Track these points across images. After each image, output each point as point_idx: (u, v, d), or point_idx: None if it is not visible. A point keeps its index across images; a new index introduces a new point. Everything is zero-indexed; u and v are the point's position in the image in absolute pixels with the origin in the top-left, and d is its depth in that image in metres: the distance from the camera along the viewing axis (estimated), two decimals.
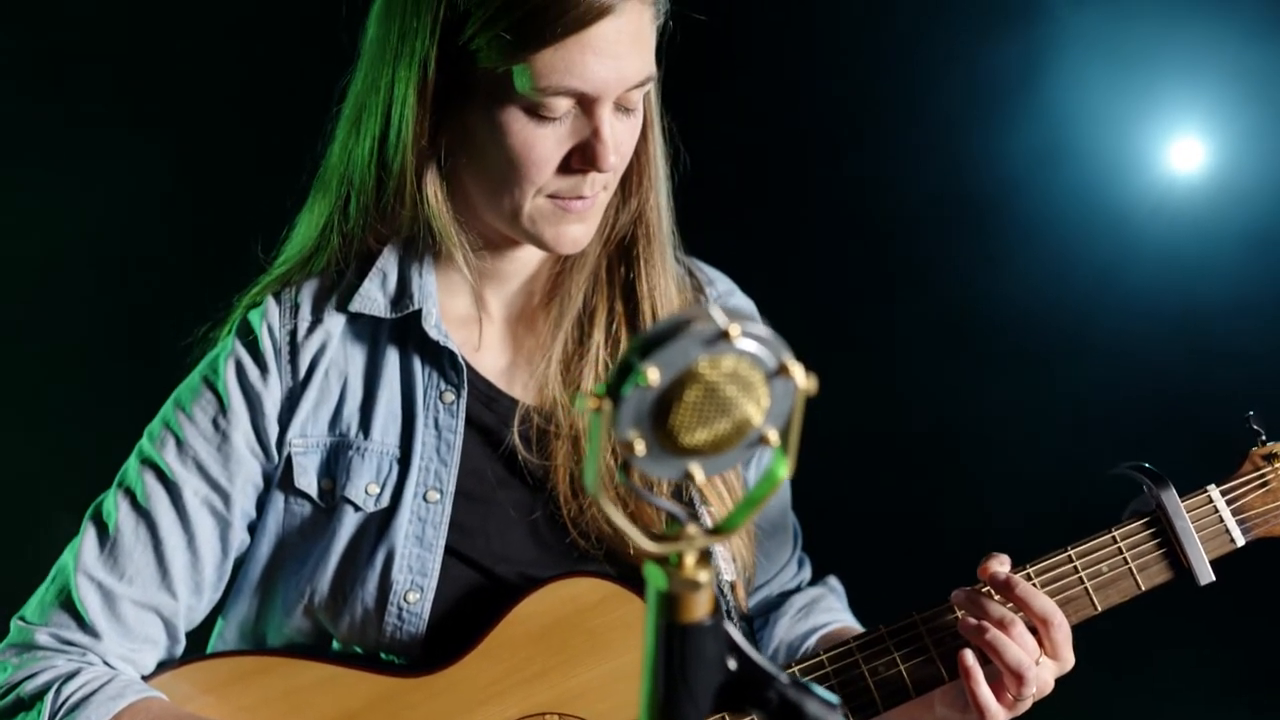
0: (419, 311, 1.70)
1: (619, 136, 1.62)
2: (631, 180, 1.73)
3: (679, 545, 0.93)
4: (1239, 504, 1.72)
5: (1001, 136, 2.82)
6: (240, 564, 1.75)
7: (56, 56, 2.61)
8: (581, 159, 1.61)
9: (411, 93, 1.62)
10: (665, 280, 1.78)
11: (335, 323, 1.72)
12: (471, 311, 1.77)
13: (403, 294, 1.71)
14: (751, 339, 0.87)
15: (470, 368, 1.74)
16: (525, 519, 1.72)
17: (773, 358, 0.89)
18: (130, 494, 1.70)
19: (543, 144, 1.60)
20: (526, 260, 1.77)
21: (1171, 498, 1.69)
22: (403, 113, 1.63)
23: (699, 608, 0.93)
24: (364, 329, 1.73)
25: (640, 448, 0.88)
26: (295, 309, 1.73)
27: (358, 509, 1.69)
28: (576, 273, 1.75)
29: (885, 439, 2.89)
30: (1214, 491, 1.72)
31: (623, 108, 1.63)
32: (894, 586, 1.87)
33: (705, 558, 0.95)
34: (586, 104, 1.59)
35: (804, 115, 2.94)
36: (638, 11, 1.60)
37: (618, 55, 1.57)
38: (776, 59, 2.91)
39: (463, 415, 1.71)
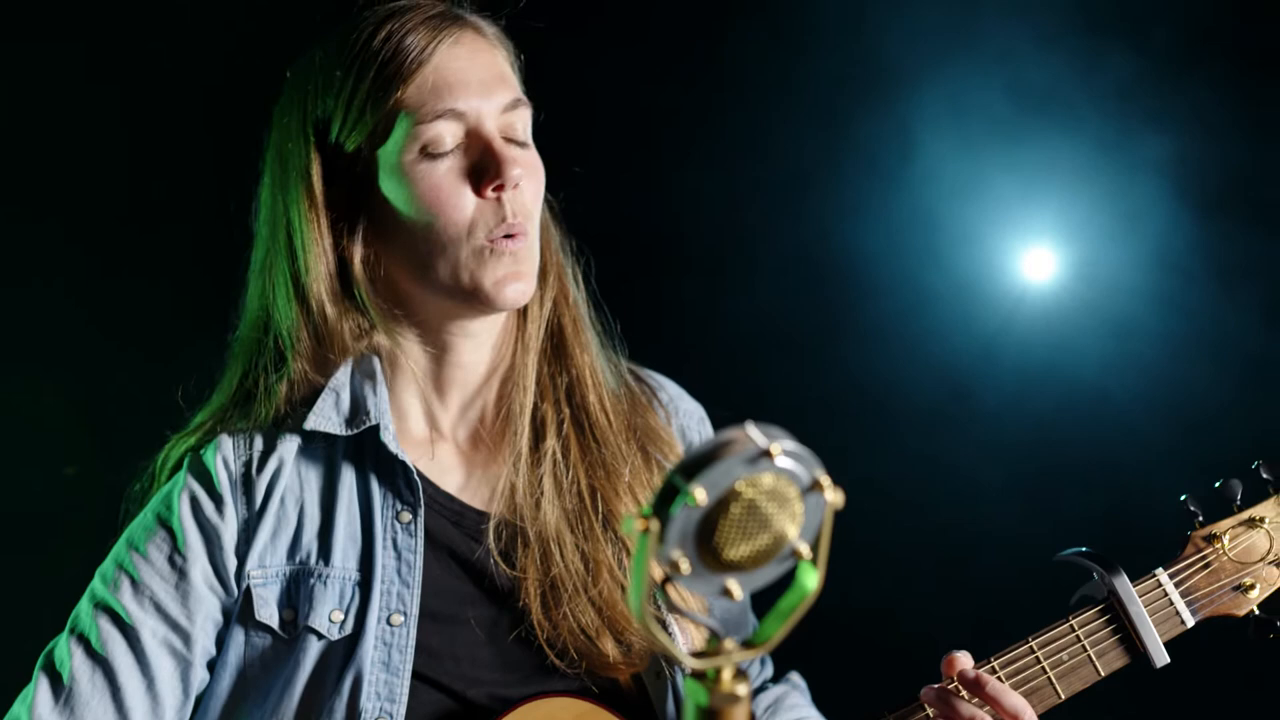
0: (376, 426, 1.70)
1: (517, 158, 1.68)
2: (544, 255, 1.78)
3: (718, 660, 0.95)
4: (1186, 585, 1.78)
5: (858, 243, 2.91)
6: (200, 701, 1.70)
7: None
8: (488, 177, 1.66)
9: (306, 211, 1.69)
10: (598, 375, 1.81)
11: (289, 447, 1.71)
12: (427, 431, 1.77)
13: (357, 411, 1.71)
14: (789, 457, 0.90)
15: (432, 485, 1.73)
16: (494, 638, 1.71)
17: (807, 474, 0.91)
18: (84, 640, 1.65)
19: (446, 178, 1.66)
20: (474, 360, 1.77)
21: (1124, 584, 1.74)
22: (304, 235, 1.70)
23: None
24: (318, 451, 1.72)
25: (685, 566, 0.90)
26: (249, 440, 1.71)
27: (321, 637, 1.66)
28: (521, 382, 1.78)
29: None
30: (1162, 575, 1.78)
31: (511, 139, 1.70)
32: (853, 681, 1.89)
33: (742, 674, 0.96)
34: (471, 130, 1.68)
35: (677, 178, 2.98)
36: (470, 39, 1.72)
37: (472, 71, 1.69)
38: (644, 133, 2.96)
39: (421, 534, 1.70)
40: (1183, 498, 1.85)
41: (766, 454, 0.88)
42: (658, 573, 0.90)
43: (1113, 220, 2.83)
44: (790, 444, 0.90)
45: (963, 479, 2.86)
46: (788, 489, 0.91)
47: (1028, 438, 2.85)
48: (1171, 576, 1.78)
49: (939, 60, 2.82)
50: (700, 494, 0.88)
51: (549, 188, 1.78)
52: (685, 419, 1.94)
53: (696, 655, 0.95)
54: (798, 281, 2.91)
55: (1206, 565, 1.80)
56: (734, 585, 0.93)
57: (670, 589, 0.92)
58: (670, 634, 1.76)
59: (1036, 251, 2.88)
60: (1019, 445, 2.85)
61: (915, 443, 2.87)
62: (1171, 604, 1.77)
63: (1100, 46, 2.78)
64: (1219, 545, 1.80)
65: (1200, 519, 1.84)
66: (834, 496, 0.93)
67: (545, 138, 1.78)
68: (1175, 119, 2.75)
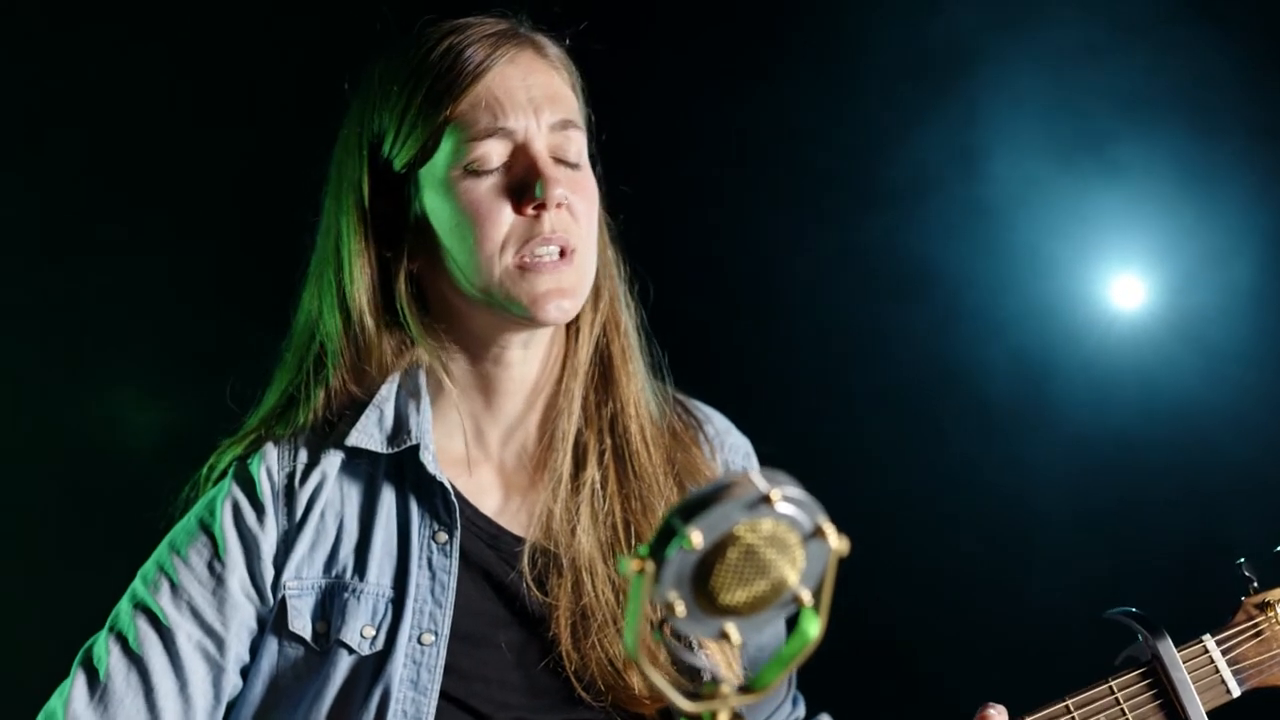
0: (416, 446, 1.71)
1: (563, 178, 1.68)
2: (596, 278, 1.77)
3: (714, 704, 0.94)
4: (1234, 654, 1.73)
5: (945, 276, 2.86)
6: (232, 707, 1.72)
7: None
8: (528, 195, 1.66)
9: (354, 223, 1.72)
10: (643, 406, 1.80)
11: (332, 462, 1.73)
12: (470, 451, 1.78)
13: (399, 430, 1.73)
14: (790, 503, 0.89)
15: (471, 506, 1.74)
16: (524, 663, 1.71)
17: (809, 520, 0.90)
18: (122, 638, 1.67)
19: (487, 195, 1.67)
20: (521, 376, 1.77)
21: (1168, 648, 1.70)
22: (350, 246, 1.72)
23: None
24: (360, 467, 1.74)
25: (680, 609, 0.89)
26: (294, 452, 1.73)
27: (352, 652, 1.67)
28: (566, 407, 1.77)
29: (872, 570, 2.86)
30: (1209, 641, 1.73)
31: (561, 160, 1.70)
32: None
33: (737, 717, 0.95)
34: (518, 149, 1.68)
35: (749, 194, 2.96)
36: (528, 58, 1.72)
37: (525, 89, 1.69)
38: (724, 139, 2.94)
39: (457, 555, 1.70)
40: (1239, 561, 1.80)
41: (766, 499, 0.87)
42: (653, 614, 0.89)
43: (1205, 246, 2.75)
44: (793, 490, 0.89)
45: (1040, 512, 2.79)
46: (788, 535, 0.90)
47: (1111, 472, 2.77)
48: (1220, 643, 1.73)
49: (1016, 74, 2.77)
50: (696, 537, 0.87)
51: (613, 210, 1.79)
52: (730, 453, 1.93)
53: (692, 698, 0.94)
54: (873, 308, 2.87)
55: (1258, 634, 1.75)
56: (732, 629, 0.92)
57: (668, 630, 0.92)
58: (700, 672, 1.75)
59: (1126, 279, 2.82)
60: (1101, 479, 2.77)
61: (992, 474, 2.81)
62: (1218, 672, 1.72)
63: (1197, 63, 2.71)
64: (1272, 614, 1.75)
65: (1255, 585, 1.79)
66: (838, 544, 0.92)
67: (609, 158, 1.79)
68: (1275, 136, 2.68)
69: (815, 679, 1.99)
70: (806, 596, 0.93)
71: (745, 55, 2.89)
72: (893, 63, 2.84)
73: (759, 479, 0.88)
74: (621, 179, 1.86)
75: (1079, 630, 1.88)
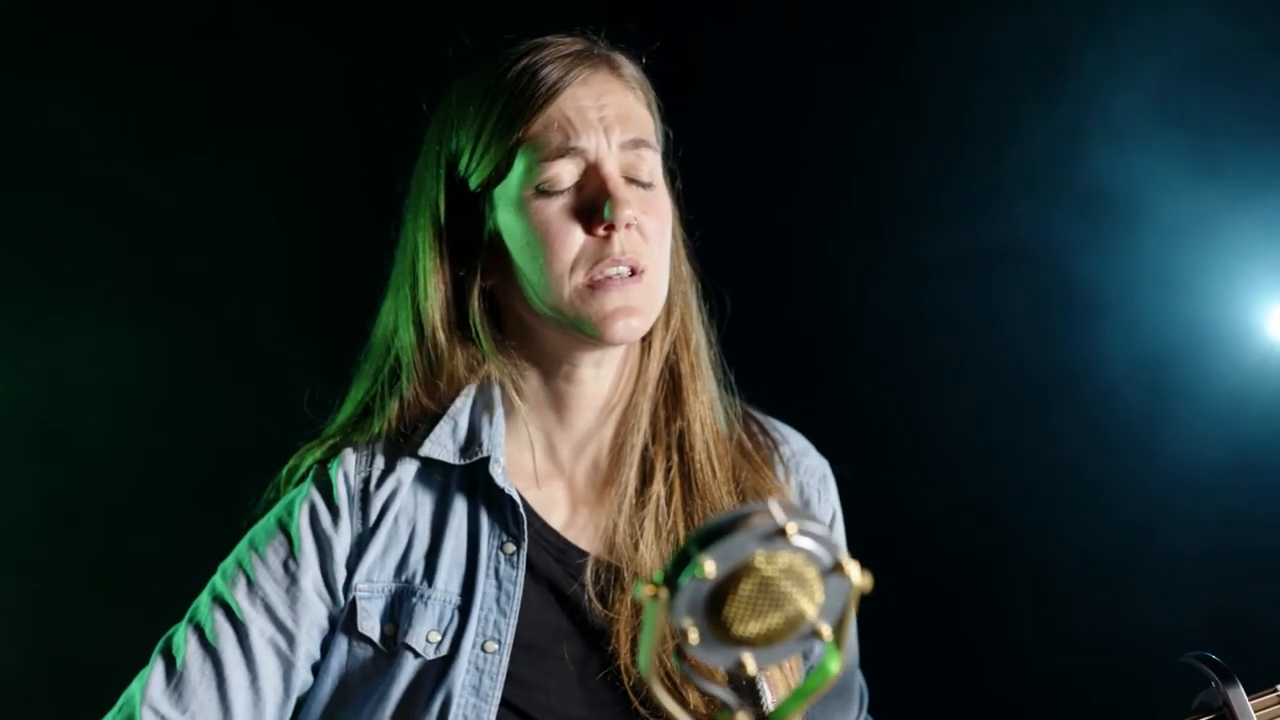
0: (486, 459, 1.74)
1: (634, 198, 1.70)
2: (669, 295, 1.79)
3: None
4: None
5: (1090, 311, 2.79)
6: (302, 702, 1.77)
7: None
8: (597, 216, 1.68)
9: (430, 240, 1.76)
10: (710, 424, 1.81)
11: (408, 470, 1.77)
12: (541, 465, 1.80)
13: (472, 442, 1.76)
14: (808, 537, 0.89)
15: (540, 519, 1.77)
16: (584, 675, 1.73)
17: (828, 555, 0.90)
18: (199, 630, 1.73)
19: (558, 215, 1.69)
20: (593, 393, 1.79)
21: (1239, 696, 1.65)
22: (425, 262, 1.76)
23: None
24: (435, 476, 1.77)
25: (694, 636, 0.90)
26: (371, 458, 1.78)
27: (418, 655, 1.71)
28: (635, 422, 1.79)
29: (988, 573, 2.82)
30: None
31: (633, 179, 1.72)
32: None
33: None
34: (589, 169, 1.70)
35: (865, 227, 2.93)
36: (603, 78, 1.74)
37: (597, 109, 1.71)
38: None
39: (523, 566, 1.73)
40: None
41: (782, 532, 0.88)
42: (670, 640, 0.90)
43: None
44: (812, 525, 0.89)
45: (1185, 546, 2.69)
46: (806, 569, 0.90)
47: (1263, 508, 2.63)
48: None
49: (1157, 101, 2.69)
50: (710, 566, 0.88)
51: (695, 225, 1.80)
52: (806, 476, 1.93)
53: None
54: (1013, 335, 2.82)
55: None
56: (748, 659, 0.93)
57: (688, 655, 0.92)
58: (759, 690, 1.75)
59: None
60: (1255, 517, 2.64)
61: (1129, 514, 2.72)
62: None
63: None
64: None
65: None
66: (860, 580, 0.92)
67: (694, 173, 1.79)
68: None
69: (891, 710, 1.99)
70: (826, 631, 0.93)
71: (846, 59, 2.87)
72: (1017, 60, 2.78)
73: (777, 511, 0.89)
74: (701, 192, 1.86)
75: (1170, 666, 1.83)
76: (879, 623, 1.84)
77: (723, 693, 0.96)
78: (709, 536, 0.89)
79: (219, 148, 2.68)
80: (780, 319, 2.78)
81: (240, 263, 2.71)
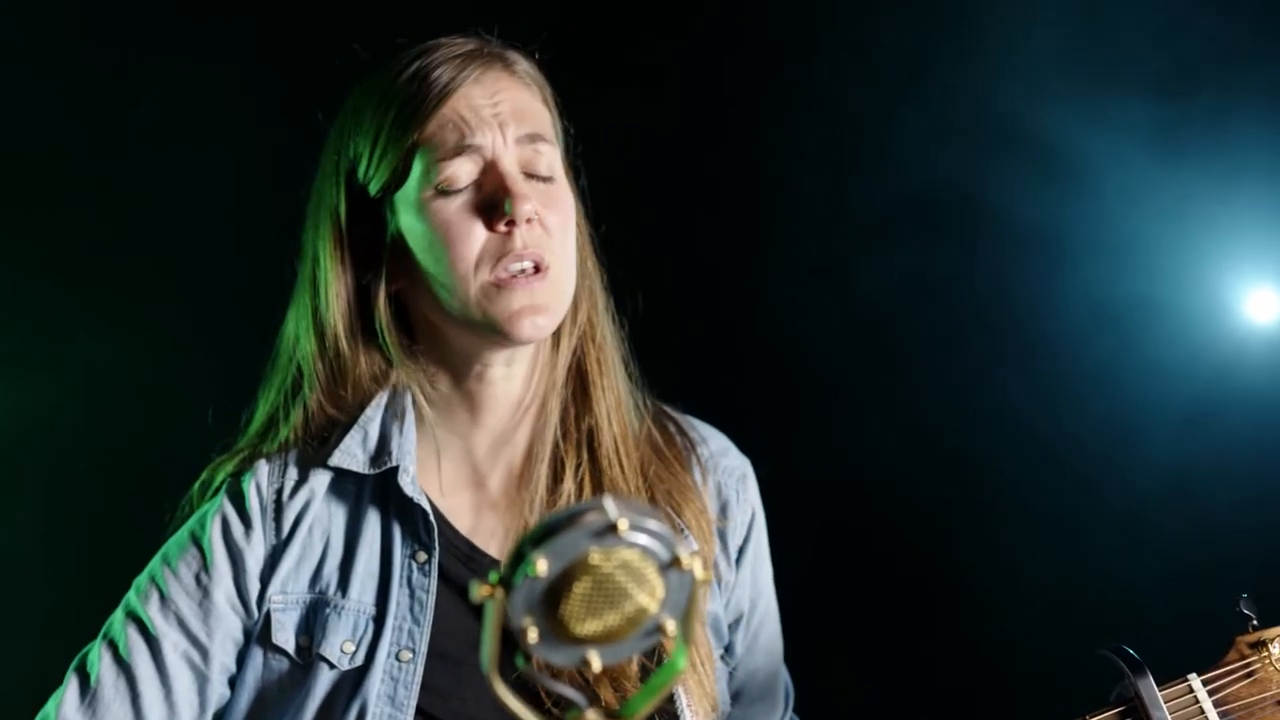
0: (396, 468, 1.74)
1: (534, 192, 1.70)
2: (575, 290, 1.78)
3: None
4: (1223, 694, 1.67)
5: (1075, 287, 2.79)
6: (220, 716, 1.76)
7: None
8: (497, 213, 1.68)
9: (330, 249, 1.75)
10: (619, 422, 1.81)
11: (321, 480, 1.76)
12: (453, 472, 1.80)
13: (382, 451, 1.75)
14: (643, 532, 0.89)
15: (450, 526, 1.76)
16: (500, 680, 1.72)
17: (665, 550, 0.90)
18: (113, 646, 1.72)
19: (458, 214, 1.69)
20: (505, 393, 1.78)
21: (1148, 686, 1.65)
22: (326, 271, 1.76)
23: None
24: (347, 486, 1.77)
25: (533, 635, 0.90)
26: (284, 468, 1.77)
27: (333, 666, 1.70)
28: (548, 420, 1.79)
29: (873, 604, 2.82)
30: (1195, 681, 1.68)
31: (532, 174, 1.72)
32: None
33: None
34: (487, 166, 1.70)
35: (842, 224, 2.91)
36: (495, 76, 1.74)
37: (491, 105, 1.72)
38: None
39: (435, 575, 1.72)
40: (1241, 596, 1.74)
41: (613, 528, 0.87)
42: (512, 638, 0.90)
43: None
44: (645, 520, 0.89)
45: (1152, 525, 2.72)
46: (644, 565, 0.90)
47: (1243, 491, 2.68)
48: (1207, 683, 1.67)
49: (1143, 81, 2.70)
50: (542, 565, 0.87)
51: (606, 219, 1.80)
52: (724, 476, 1.92)
53: None
54: (996, 326, 2.82)
55: (1250, 674, 1.69)
56: (594, 657, 0.92)
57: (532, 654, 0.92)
58: (674, 697, 1.75)
59: (1261, 293, 2.73)
60: (1238, 499, 2.68)
61: (1115, 499, 2.74)
62: (1202, 712, 1.66)
63: None
64: (1266, 654, 1.69)
65: (1255, 623, 1.73)
66: (699, 573, 0.91)
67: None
68: None
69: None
70: (670, 626, 0.92)
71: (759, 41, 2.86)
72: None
73: (610, 506, 0.88)
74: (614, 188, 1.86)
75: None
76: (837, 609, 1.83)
77: (567, 691, 0.95)
78: (543, 534, 0.88)
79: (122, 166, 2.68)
80: (704, 313, 2.77)
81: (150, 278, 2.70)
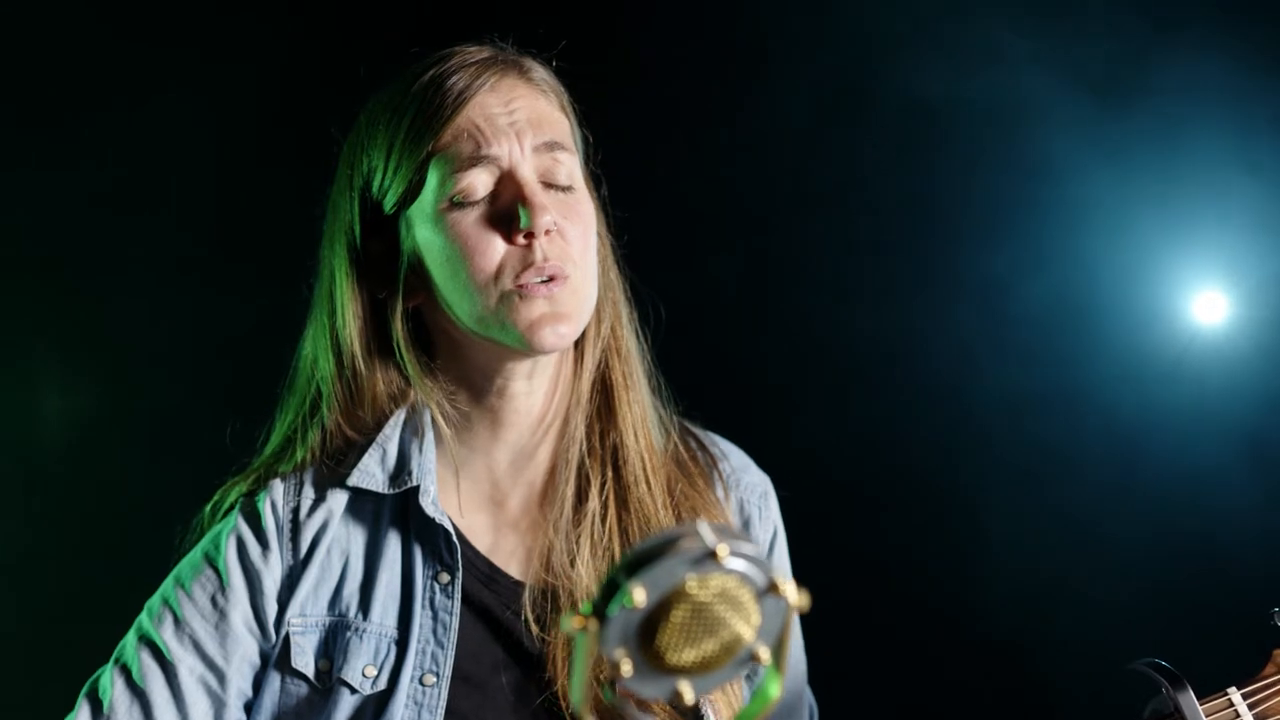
0: (416, 488, 1.69)
1: (552, 203, 1.66)
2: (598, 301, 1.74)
3: None
4: (1262, 708, 1.66)
5: (1018, 284, 2.79)
6: None
7: None
8: (516, 224, 1.63)
9: (345, 265, 1.71)
10: (645, 436, 1.77)
11: (338, 500, 1.71)
12: (473, 490, 1.76)
13: (401, 470, 1.71)
14: (741, 558, 0.85)
15: (471, 547, 1.72)
16: (522, 704, 1.68)
17: (762, 576, 0.87)
18: (126, 671, 1.67)
19: (476, 226, 1.64)
20: (527, 408, 1.74)
21: (1189, 701, 1.63)
22: (342, 288, 1.71)
23: None
24: (366, 506, 1.72)
25: (627, 668, 0.86)
26: (300, 487, 1.72)
27: (354, 691, 1.66)
28: (572, 436, 1.75)
29: (887, 622, 2.80)
30: (1235, 695, 1.66)
31: (551, 184, 1.67)
32: None
33: None
34: (504, 176, 1.65)
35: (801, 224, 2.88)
36: (510, 83, 1.70)
37: (508, 114, 1.67)
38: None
39: (459, 597, 1.68)
40: (1274, 610, 1.73)
41: (713, 555, 0.84)
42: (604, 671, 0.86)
43: None
44: (743, 545, 0.86)
45: (1123, 534, 2.67)
46: (740, 591, 0.86)
47: (1192, 495, 2.63)
48: (1246, 696, 1.66)
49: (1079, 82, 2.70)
50: (639, 594, 0.84)
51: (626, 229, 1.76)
52: (746, 493, 1.89)
53: None
54: (948, 324, 2.77)
55: None
56: (685, 688, 0.89)
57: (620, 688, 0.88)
58: (703, 716, 1.71)
59: (1208, 295, 2.71)
60: (1185, 504, 2.63)
61: (1070, 494, 2.69)
62: None
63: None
64: None
65: None
66: (796, 599, 0.88)
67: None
68: None
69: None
70: (765, 654, 0.89)
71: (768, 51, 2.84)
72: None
73: (707, 532, 0.85)
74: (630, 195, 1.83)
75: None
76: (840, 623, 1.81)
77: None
78: (637, 563, 0.85)
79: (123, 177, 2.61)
80: (718, 326, 2.74)
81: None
